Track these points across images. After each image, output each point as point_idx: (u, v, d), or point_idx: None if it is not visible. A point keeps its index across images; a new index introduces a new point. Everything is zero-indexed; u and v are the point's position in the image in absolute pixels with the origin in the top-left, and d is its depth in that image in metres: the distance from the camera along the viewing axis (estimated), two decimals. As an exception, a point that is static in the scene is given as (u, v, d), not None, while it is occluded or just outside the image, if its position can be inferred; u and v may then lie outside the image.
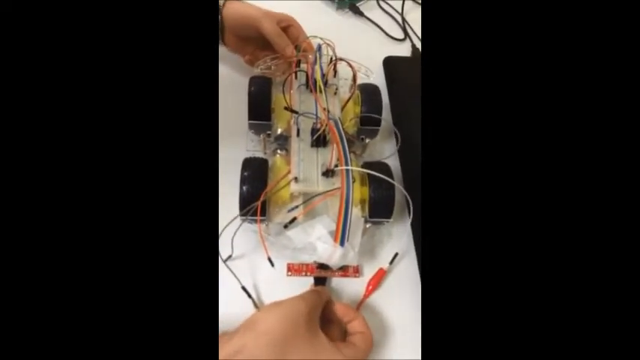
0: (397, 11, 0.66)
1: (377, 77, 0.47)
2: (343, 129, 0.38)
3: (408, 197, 0.39)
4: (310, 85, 0.42)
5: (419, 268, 0.41)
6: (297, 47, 0.46)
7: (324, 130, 0.38)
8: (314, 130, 0.39)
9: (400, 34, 0.63)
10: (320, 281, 0.39)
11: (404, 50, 0.61)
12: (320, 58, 0.43)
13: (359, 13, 0.64)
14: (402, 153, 0.46)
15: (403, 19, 0.65)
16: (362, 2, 0.66)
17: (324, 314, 0.34)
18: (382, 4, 0.67)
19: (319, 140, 0.39)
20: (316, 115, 0.38)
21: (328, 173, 0.37)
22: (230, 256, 0.39)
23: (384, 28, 0.63)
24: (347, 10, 0.65)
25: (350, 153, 0.36)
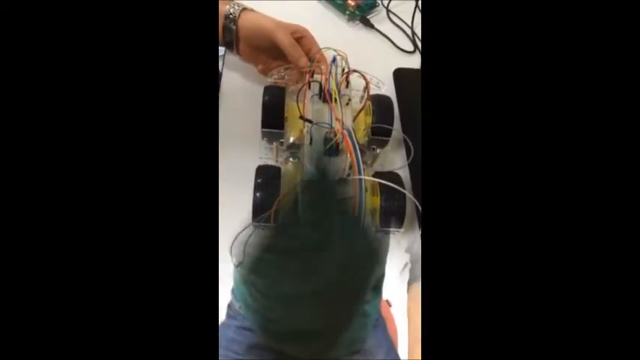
0: (407, 24, 0.67)
1: (387, 89, 0.48)
2: (356, 139, 0.39)
3: (420, 207, 0.39)
4: (325, 96, 0.43)
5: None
6: (310, 58, 0.47)
7: (337, 140, 0.39)
8: (326, 140, 0.40)
9: (410, 47, 0.64)
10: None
11: (414, 62, 0.62)
12: (336, 69, 0.44)
13: (369, 25, 0.65)
14: (412, 164, 0.47)
15: (413, 32, 0.66)
16: (372, 15, 0.67)
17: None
18: (392, 16, 0.68)
19: (332, 149, 0.40)
20: (330, 124, 0.39)
21: (340, 182, 0.38)
22: (242, 262, 0.39)
23: (394, 40, 0.64)
24: (357, 22, 0.66)
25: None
